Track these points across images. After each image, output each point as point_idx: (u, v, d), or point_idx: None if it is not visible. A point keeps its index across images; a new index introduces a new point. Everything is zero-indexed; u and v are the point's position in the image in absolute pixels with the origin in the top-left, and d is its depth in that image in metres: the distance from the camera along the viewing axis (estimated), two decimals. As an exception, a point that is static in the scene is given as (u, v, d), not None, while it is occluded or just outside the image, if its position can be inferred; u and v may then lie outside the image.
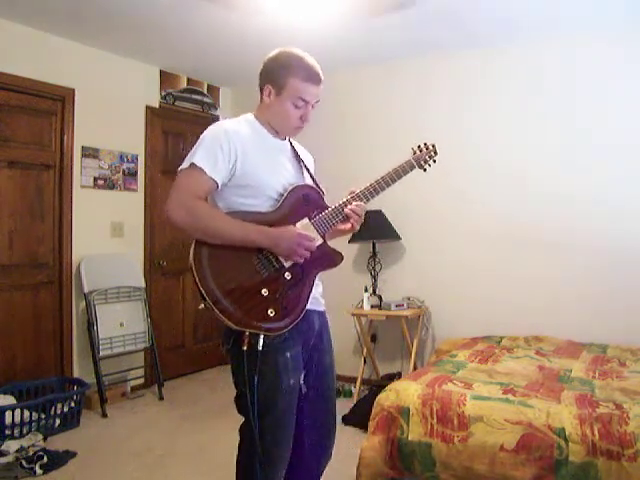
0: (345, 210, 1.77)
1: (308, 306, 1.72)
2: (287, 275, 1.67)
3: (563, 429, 2.11)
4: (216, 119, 5.08)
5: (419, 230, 4.23)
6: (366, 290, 4.13)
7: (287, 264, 1.67)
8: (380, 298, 4.14)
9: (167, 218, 1.61)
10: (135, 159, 4.38)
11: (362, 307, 4.08)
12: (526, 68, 3.86)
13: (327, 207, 1.79)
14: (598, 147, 3.64)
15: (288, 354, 1.68)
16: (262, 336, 1.61)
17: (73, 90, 3.91)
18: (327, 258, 1.78)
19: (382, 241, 4.17)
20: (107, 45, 4.03)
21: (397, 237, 4.17)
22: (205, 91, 4.98)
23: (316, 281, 1.79)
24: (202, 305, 1.59)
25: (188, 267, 1.59)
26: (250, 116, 1.80)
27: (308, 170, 1.87)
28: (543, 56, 3.81)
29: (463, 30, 3.70)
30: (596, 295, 3.62)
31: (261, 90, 1.77)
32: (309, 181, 1.85)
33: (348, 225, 1.82)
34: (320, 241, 1.74)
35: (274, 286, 1.64)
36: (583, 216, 3.68)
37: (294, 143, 1.90)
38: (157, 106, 4.57)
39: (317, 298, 1.84)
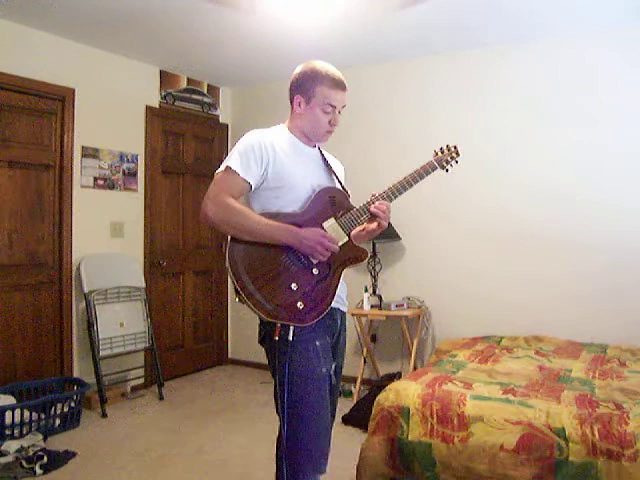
0: (371, 209, 1.85)
1: (333, 304, 1.81)
2: (315, 271, 1.77)
3: (563, 429, 2.11)
4: (216, 119, 5.09)
5: (419, 230, 4.23)
6: (366, 290, 4.13)
7: (315, 261, 1.77)
8: (380, 298, 4.14)
9: (202, 216, 1.73)
10: (135, 159, 4.38)
11: (362, 307, 4.08)
12: (528, 68, 3.86)
13: (353, 208, 1.89)
14: (599, 147, 3.64)
15: (317, 343, 1.78)
16: (292, 327, 1.71)
17: (73, 90, 3.91)
18: (353, 255, 1.87)
19: (382, 241, 4.17)
20: (107, 45, 4.03)
21: (397, 237, 4.17)
22: (205, 91, 4.98)
23: (341, 281, 1.87)
24: (237, 299, 1.72)
25: (224, 264, 1.70)
26: (282, 126, 1.92)
27: (336, 176, 1.98)
28: (545, 57, 3.80)
29: (465, 31, 3.70)
30: (596, 295, 3.62)
31: (291, 101, 1.89)
32: (336, 184, 1.96)
33: (375, 224, 1.91)
34: (345, 239, 1.84)
35: (303, 281, 1.74)
36: (583, 216, 3.68)
37: (323, 151, 2.00)
38: (157, 106, 4.57)
39: (342, 298, 1.94)
